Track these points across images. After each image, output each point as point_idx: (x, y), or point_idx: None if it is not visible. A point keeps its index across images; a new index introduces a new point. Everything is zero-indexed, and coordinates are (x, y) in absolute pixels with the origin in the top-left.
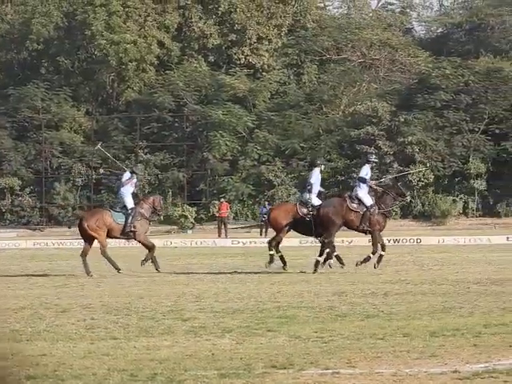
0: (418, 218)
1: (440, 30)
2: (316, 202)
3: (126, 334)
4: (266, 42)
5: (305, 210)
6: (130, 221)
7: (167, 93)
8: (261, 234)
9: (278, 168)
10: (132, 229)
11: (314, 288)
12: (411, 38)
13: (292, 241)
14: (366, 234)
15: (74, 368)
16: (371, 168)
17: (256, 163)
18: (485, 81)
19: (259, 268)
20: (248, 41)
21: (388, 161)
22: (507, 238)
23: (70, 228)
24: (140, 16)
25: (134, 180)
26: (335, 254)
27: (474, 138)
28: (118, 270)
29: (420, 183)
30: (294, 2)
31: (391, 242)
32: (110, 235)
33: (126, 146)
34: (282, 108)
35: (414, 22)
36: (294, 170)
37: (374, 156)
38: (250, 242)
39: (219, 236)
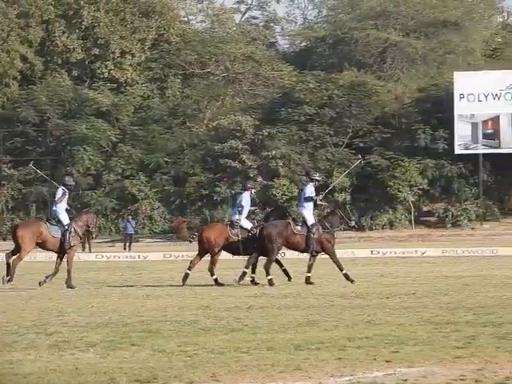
0: None
1: (304, 43)
2: (245, 224)
3: None
4: (130, 57)
5: (234, 231)
6: (68, 237)
7: (30, 107)
8: (124, 249)
9: (142, 182)
10: (71, 245)
11: (177, 302)
12: (275, 52)
13: (157, 255)
14: (311, 254)
15: None
16: (314, 186)
17: (120, 177)
18: (349, 94)
19: (123, 282)
20: (111, 55)
21: (252, 175)
22: (371, 251)
23: (5, 240)
24: (3, 30)
25: (66, 196)
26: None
27: (338, 151)
28: (8, 280)
29: (284, 197)
30: (157, 17)
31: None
32: (44, 247)
33: None
34: (146, 122)
35: (277, 36)
36: (157, 184)
37: (317, 174)
38: (114, 257)
39: (83, 250)
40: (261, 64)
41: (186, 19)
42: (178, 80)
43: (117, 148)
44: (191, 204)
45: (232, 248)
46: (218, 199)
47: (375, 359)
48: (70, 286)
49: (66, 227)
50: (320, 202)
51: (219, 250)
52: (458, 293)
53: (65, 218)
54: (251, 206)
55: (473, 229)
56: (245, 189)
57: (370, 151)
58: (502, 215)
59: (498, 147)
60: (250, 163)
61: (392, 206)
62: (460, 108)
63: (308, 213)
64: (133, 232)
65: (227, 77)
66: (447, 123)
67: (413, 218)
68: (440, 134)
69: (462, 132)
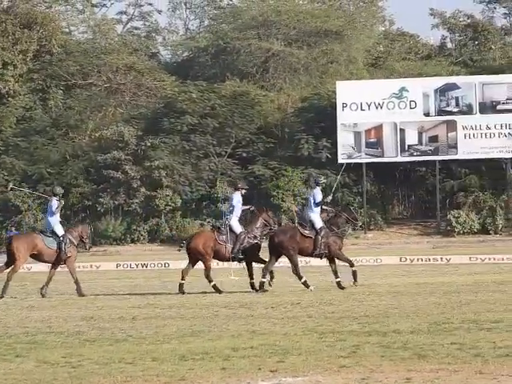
0: (166, 243)
1: (186, 54)
2: (236, 226)
3: None
4: (12, 68)
5: (222, 237)
6: (63, 247)
7: None
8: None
9: (25, 193)
10: (68, 254)
11: (62, 313)
12: (157, 63)
13: (41, 266)
14: (321, 258)
15: None
16: (321, 190)
17: (4, 189)
18: (231, 104)
19: (7, 293)
20: None
21: (135, 185)
22: None
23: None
24: None
25: (60, 206)
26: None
27: (221, 161)
28: (1, 297)
29: (167, 207)
30: (38, 28)
31: (139, 266)
32: (40, 259)
33: None
34: (29, 133)
35: (159, 47)
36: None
37: (322, 178)
38: None
39: None
40: (143, 74)
41: (67, 30)
42: (61, 91)
43: (0, 159)
44: (75, 215)
45: (219, 254)
46: (102, 210)
47: (260, 369)
48: (81, 295)
49: (62, 238)
50: (325, 207)
51: (210, 256)
52: (342, 302)
53: (59, 229)
54: (243, 205)
55: (357, 238)
56: (236, 189)
57: (253, 161)
58: (385, 224)
59: (381, 156)
60: (133, 174)
61: (276, 216)
62: (343, 117)
63: (316, 216)
64: None
65: (109, 87)
66: (330, 132)
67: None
68: (323, 143)
69: (344, 141)
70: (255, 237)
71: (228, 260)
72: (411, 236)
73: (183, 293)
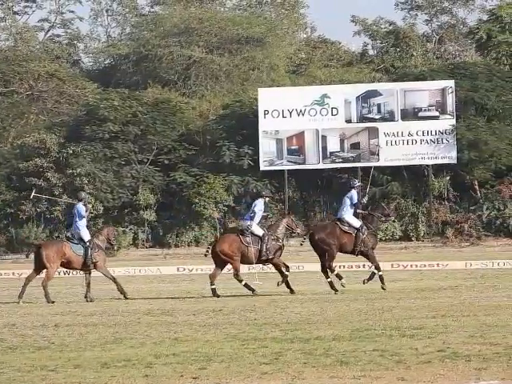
0: None
1: (108, 61)
2: (257, 230)
3: None
4: None
5: (248, 239)
6: (90, 253)
7: None
8: None
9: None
10: (94, 260)
11: None
12: (79, 70)
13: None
14: (356, 255)
15: None
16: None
17: None
18: (153, 112)
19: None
20: None
21: (57, 193)
22: (177, 268)
23: (27, 257)
24: None
25: (89, 210)
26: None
27: (143, 168)
28: (52, 302)
29: (90, 215)
30: None
31: (61, 273)
32: (70, 267)
33: None
34: None
35: (81, 54)
36: None
37: (356, 181)
38: None
39: None
40: (65, 82)
41: None
42: None
43: None
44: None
45: (245, 257)
46: (24, 217)
47: (182, 376)
48: (123, 294)
49: (88, 243)
50: (359, 211)
51: (238, 257)
52: (264, 309)
53: (86, 234)
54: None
55: None
56: (260, 196)
57: (174, 168)
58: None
59: (303, 163)
60: (55, 181)
61: (198, 223)
62: (264, 124)
63: (350, 216)
64: None
65: (31, 95)
66: (252, 139)
67: (219, 235)
68: (245, 150)
69: (266, 148)
70: (277, 238)
71: (252, 263)
72: None
73: (218, 296)
